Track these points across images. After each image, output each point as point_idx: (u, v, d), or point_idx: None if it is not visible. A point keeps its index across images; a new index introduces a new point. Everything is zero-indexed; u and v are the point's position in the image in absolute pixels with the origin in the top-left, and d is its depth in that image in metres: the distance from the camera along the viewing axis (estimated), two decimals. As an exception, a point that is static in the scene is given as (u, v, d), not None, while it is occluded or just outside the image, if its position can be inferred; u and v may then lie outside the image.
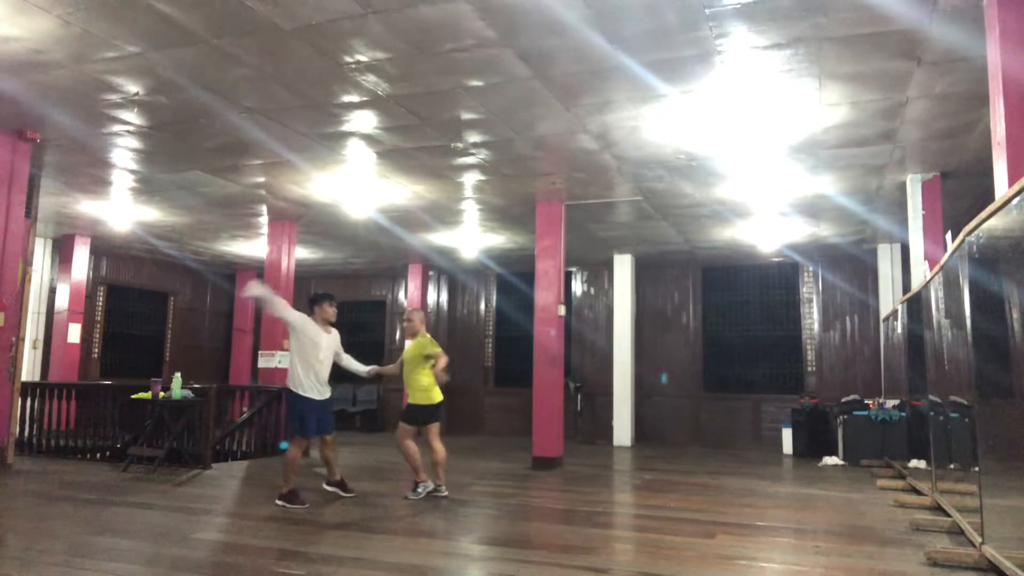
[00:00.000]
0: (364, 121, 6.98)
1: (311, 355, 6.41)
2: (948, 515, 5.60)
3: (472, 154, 7.86)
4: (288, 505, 6.08)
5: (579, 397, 13.67)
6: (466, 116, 6.80)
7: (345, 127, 7.13)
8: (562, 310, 9.63)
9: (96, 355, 13.95)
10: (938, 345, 6.00)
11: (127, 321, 14.77)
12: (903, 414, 9.43)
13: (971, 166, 7.84)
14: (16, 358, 7.82)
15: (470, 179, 8.80)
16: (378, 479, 8.27)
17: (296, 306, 6.78)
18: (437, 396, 6.82)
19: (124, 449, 8.87)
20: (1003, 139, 4.36)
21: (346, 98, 6.44)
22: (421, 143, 7.54)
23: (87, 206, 10.48)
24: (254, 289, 6.46)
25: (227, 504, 6.35)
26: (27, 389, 9.27)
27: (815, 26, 5.07)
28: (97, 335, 14.01)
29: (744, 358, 13.46)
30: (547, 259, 9.70)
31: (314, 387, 6.43)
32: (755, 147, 7.47)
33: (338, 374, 17.14)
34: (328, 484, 6.68)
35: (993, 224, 3.90)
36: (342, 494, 6.59)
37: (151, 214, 10.90)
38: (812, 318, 13.06)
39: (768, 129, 6.98)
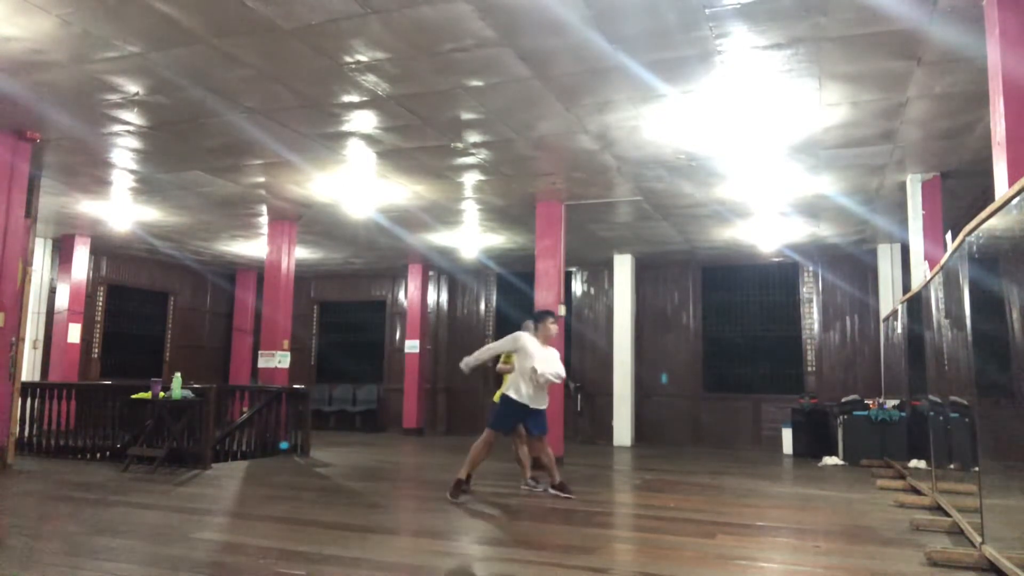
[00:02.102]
0: (364, 121, 6.98)
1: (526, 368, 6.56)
2: (948, 515, 5.60)
3: (472, 154, 7.86)
4: (560, 494, 6.55)
5: (579, 397, 13.68)
6: (466, 116, 6.80)
7: (345, 127, 7.13)
8: (562, 310, 9.63)
9: (96, 355, 13.95)
10: (938, 345, 5.99)
11: (127, 321, 14.77)
12: (903, 414, 9.42)
13: (971, 166, 7.84)
14: (16, 358, 7.81)
15: (470, 179, 8.80)
16: (378, 479, 8.27)
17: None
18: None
19: (124, 449, 8.86)
20: (1003, 139, 4.36)
21: (346, 98, 6.44)
22: (421, 143, 7.54)
23: (87, 206, 10.48)
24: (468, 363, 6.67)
25: (227, 504, 6.35)
26: (27, 389, 9.26)
27: (815, 26, 5.07)
28: (97, 335, 14.01)
29: (744, 358, 13.46)
30: (547, 259, 9.70)
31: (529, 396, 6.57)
32: (755, 147, 7.48)
33: (338, 372, 17.04)
34: (551, 487, 6.75)
35: (993, 224, 3.90)
36: (559, 494, 6.64)
37: (151, 214, 10.90)
38: (812, 318, 13.06)
39: (768, 129, 6.98)
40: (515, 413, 6.60)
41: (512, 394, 6.55)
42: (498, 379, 7.44)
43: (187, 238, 12.74)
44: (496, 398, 7.00)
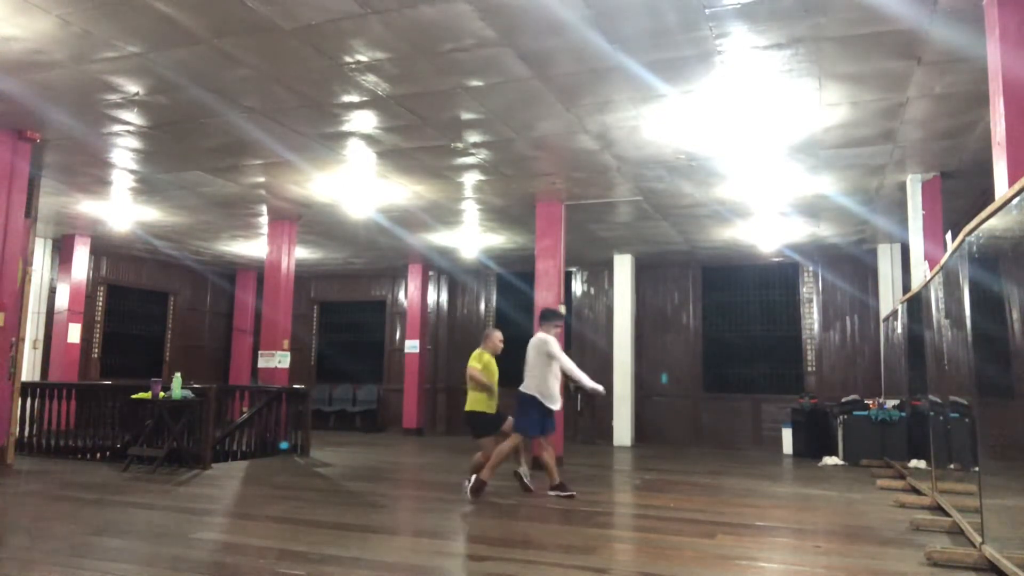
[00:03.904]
0: (364, 121, 6.98)
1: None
2: (948, 515, 5.60)
3: (472, 154, 7.86)
4: (561, 494, 6.58)
5: (579, 397, 13.66)
6: (466, 116, 6.80)
7: (345, 127, 7.13)
8: (562, 310, 9.62)
9: (96, 355, 13.95)
10: (938, 345, 5.99)
11: (127, 321, 14.77)
12: (903, 414, 9.42)
13: (971, 166, 7.83)
14: (16, 358, 7.81)
15: (470, 179, 8.80)
16: (378, 479, 8.27)
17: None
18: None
19: (124, 449, 8.86)
20: (1003, 139, 4.36)
21: (346, 98, 6.44)
22: (421, 143, 7.54)
23: (87, 206, 10.48)
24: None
25: (227, 504, 6.35)
26: (27, 389, 9.25)
27: (815, 26, 5.07)
28: (97, 335, 14.01)
29: (744, 358, 13.46)
30: (547, 259, 9.69)
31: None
32: (755, 147, 7.47)
33: (338, 372, 16.97)
34: (550, 489, 6.76)
35: (993, 224, 3.90)
36: (559, 494, 6.67)
37: (151, 214, 10.90)
38: (812, 318, 13.06)
39: (768, 129, 6.98)
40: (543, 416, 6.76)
41: (544, 397, 6.72)
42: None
43: (187, 238, 12.74)
44: (479, 408, 6.90)
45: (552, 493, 6.69)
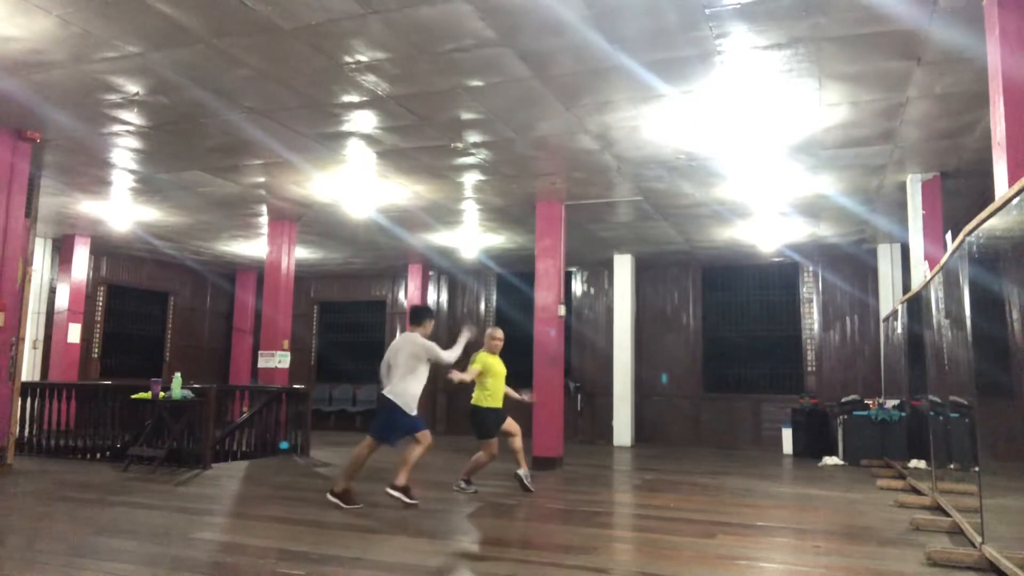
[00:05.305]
0: (364, 121, 6.98)
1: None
2: (948, 515, 5.60)
3: (472, 154, 7.86)
4: (340, 503, 6.05)
5: (579, 397, 13.68)
6: (466, 116, 6.80)
7: (345, 127, 7.13)
8: (562, 310, 9.63)
9: (96, 355, 13.95)
10: (938, 345, 6.00)
11: (127, 321, 14.77)
12: (903, 414, 9.43)
13: (971, 166, 7.84)
14: (16, 358, 7.81)
15: (470, 179, 8.80)
16: (378, 479, 8.27)
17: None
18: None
19: (124, 449, 8.87)
20: (1003, 139, 4.36)
21: (346, 98, 6.44)
22: (421, 143, 7.54)
23: (87, 206, 10.48)
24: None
25: (227, 504, 6.35)
26: (27, 389, 9.26)
27: (815, 26, 5.07)
28: (97, 335, 14.01)
29: (744, 358, 13.46)
30: (547, 259, 9.69)
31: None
32: (755, 147, 7.47)
33: (338, 372, 16.90)
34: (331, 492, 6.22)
35: (993, 224, 3.90)
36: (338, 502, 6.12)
37: (151, 214, 10.90)
38: (812, 318, 13.06)
39: (768, 129, 6.98)
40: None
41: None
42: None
43: (187, 238, 12.74)
44: (483, 404, 6.83)
45: (393, 492, 6.17)
